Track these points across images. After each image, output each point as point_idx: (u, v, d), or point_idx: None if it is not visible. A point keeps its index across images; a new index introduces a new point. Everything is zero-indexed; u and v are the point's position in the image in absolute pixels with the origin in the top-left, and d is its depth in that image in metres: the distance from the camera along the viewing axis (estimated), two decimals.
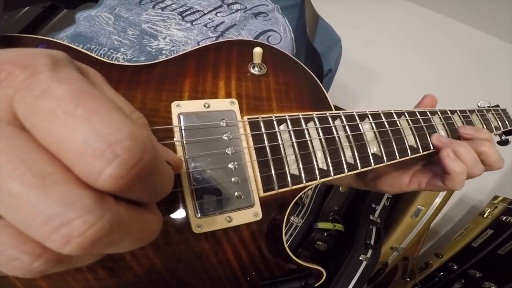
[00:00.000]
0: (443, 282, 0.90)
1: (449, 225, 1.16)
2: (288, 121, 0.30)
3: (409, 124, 0.35)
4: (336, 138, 0.31)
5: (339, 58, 0.60)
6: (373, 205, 0.89)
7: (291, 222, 0.94)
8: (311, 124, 0.30)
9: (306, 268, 0.30)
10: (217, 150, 0.26)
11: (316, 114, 0.31)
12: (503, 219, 0.84)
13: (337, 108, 0.34)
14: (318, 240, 0.90)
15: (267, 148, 0.28)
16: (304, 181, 0.28)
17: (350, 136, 0.31)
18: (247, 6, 0.46)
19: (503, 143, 0.46)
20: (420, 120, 0.36)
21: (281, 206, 0.29)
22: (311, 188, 0.35)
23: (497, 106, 0.48)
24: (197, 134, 0.26)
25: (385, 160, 0.32)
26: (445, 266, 0.91)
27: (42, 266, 0.12)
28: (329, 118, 0.31)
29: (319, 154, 0.30)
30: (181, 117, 0.26)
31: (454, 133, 0.38)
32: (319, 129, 0.30)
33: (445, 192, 0.87)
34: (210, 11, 0.43)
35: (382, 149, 0.32)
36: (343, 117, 0.32)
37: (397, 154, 0.33)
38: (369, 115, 0.33)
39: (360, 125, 0.32)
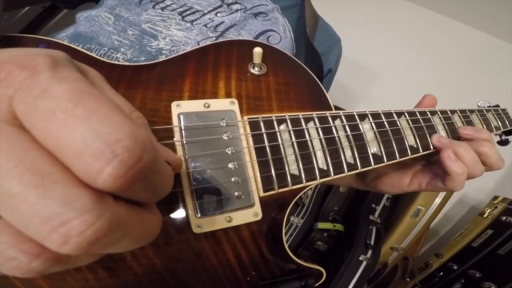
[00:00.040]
0: (443, 282, 0.90)
1: (449, 225, 1.16)
2: (288, 121, 0.30)
3: (409, 124, 0.35)
4: (336, 138, 0.31)
5: (339, 58, 0.60)
6: (373, 205, 0.89)
7: (291, 222, 0.94)
8: (311, 124, 0.30)
9: (306, 268, 0.30)
10: (217, 150, 0.26)
11: (316, 114, 0.31)
12: (503, 219, 0.84)
13: (337, 108, 0.34)
14: (318, 240, 0.90)
15: (267, 148, 0.28)
16: (304, 181, 0.28)
17: (350, 136, 0.31)
18: (247, 6, 0.46)
19: (503, 143, 0.46)
20: (420, 120, 0.36)
21: (281, 206, 0.29)
22: (311, 188, 0.35)
23: (497, 106, 0.48)
24: (197, 134, 0.26)
25: (385, 160, 0.32)
26: (445, 266, 0.91)
27: (40, 266, 0.12)
28: (329, 118, 0.31)
29: (319, 154, 0.30)
30: (181, 117, 0.26)
31: (454, 133, 0.38)
32: (319, 129, 0.30)
33: (445, 192, 0.87)
34: (210, 11, 0.43)
35: (382, 149, 0.32)
36: (343, 117, 0.32)
37: (397, 154, 0.33)
38: (369, 115, 0.33)
39: (360, 125, 0.32)
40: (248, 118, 0.28)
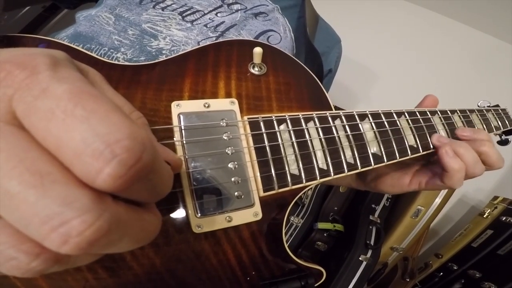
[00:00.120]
0: (443, 282, 0.90)
1: (449, 225, 1.16)
2: (288, 121, 0.30)
3: (409, 124, 0.35)
4: (336, 138, 0.31)
5: (339, 58, 0.60)
6: (373, 205, 0.89)
7: (291, 222, 0.94)
8: (311, 124, 0.30)
9: (306, 268, 0.30)
10: (217, 150, 0.26)
11: (316, 114, 0.31)
12: (503, 219, 0.84)
13: (337, 108, 0.34)
14: (318, 240, 0.90)
15: (267, 148, 0.28)
16: (304, 181, 0.28)
17: (350, 136, 0.31)
18: (247, 6, 0.46)
19: (503, 143, 0.46)
20: (420, 120, 0.36)
21: (281, 206, 0.29)
22: (311, 188, 0.35)
23: (497, 106, 0.48)
24: (197, 134, 0.26)
25: (385, 160, 0.32)
26: (445, 266, 0.91)
27: (40, 266, 0.12)
28: (329, 118, 0.31)
29: (319, 154, 0.30)
30: (181, 117, 0.26)
31: (454, 133, 0.38)
32: (319, 129, 0.30)
33: (445, 192, 0.87)
34: (210, 11, 0.43)
35: (382, 149, 0.32)
36: (343, 117, 0.32)
37: (397, 154, 0.33)
38: (369, 115, 0.33)
39: (360, 125, 0.32)
40: (248, 118, 0.28)
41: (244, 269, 0.27)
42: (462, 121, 0.40)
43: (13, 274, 0.12)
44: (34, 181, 0.11)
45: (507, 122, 0.45)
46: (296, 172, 0.28)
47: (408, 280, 0.84)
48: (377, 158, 0.32)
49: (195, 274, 0.25)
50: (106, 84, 0.19)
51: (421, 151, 0.35)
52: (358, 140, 0.32)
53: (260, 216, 0.27)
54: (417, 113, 0.37)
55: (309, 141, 0.30)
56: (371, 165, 0.31)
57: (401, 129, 0.34)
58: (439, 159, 0.33)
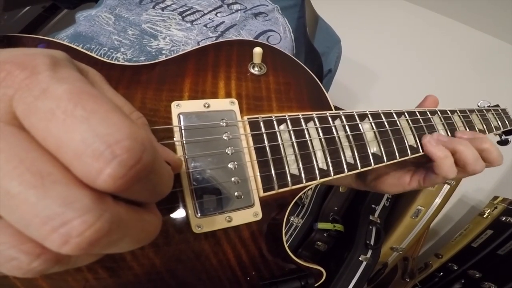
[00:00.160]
0: (443, 282, 0.90)
1: (449, 225, 1.16)
2: (288, 121, 0.30)
3: (409, 124, 0.35)
4: (336, 138, 0.31)
5: (339, 58, 0.60)
6: (373, 206, 0.89)
7: (291, 222, 0.94)
8: (311, 124, 0.30)
9: (306, 268, 0.30)
10: (217, 150, 0.26)
11: (316, 114, 0.31)
12: (503, 219, 0.84)
13: (337, 108, 0.34)
14: (318, 240, 0.90)
15: (267, 148, 0.28)
16: (304, 181, 0.28)
17: (350, 136, 0.31)
18: (247, 6, 0.46)
19: (503, 143, 0.46)
20: (420, 120, 0.36)
21: (281, 206, 0.29)
22: (311, 188, 0.35)
23: (497, 106, 0.48)
24: (197, 134, 0.26)
25: (385, 160, 0.32)
26: (445, 267, 0.91)
27: (40, 266, 0.12)
28: (329, 118, 0.31)
29: (319, 154, 0.30)
30: (181, 117, 0.26)
31: (454, 135, 0.38)
32: (319, 129, 0.30)
33: (445, 192, 0.87)
34: (210, 11, 0.43)
35: (382, 149, 0.32)
36: (343, 117, 0.32)
37: (397, 154, 0.33)
38: (369, 115, 0.33)
39: (360, 125, 0.32)
40: (248, 118, 0.28)
41: (244, 269, 0.27)
42: (462, 121, 0.40)
43: (14, 275, 0.12)
44: (34, 182, 0.11)
45: (507, 122, 0.45)
46: (296, 172, 0.28)
47: (408, 280, 0.84)
48: (377, 158, 0.32)
49: (195, 274, 0.25)
50: (106, 84, 0.19)
51: (421, 151, 0.35)
52: (358, 140, 0.32)
53: (260, 216, 0.27)
54: (417, 113, 0.37)
55: (309, 141, 0.30)
56: (371, 165, 0.31)
57: (401, 129, 0.34)
58: (424, 150, 0.33)
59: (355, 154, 0.31)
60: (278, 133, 0.29)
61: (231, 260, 0.26)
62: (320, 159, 0.29)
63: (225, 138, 0.27)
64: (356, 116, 0.33)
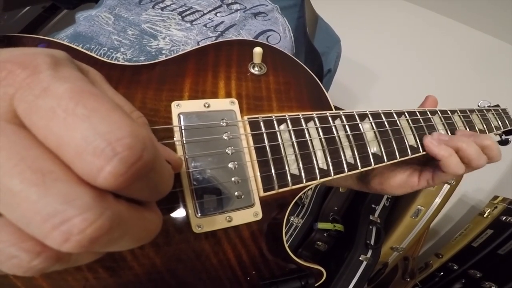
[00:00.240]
0: (443, 282, 0.90)
1: (449, 225, 1.16)
2: (288, 121, 0.30)
3: (409, 124, 0.35)
4: (336, 137, 0.31)
5: (339, 58, 0.60)
6: (373, 205, 0.89)
7: (291, 222, 0.94)
8: (311, 124, 0.30)
9: (306, 268, 0.30)
10: (217, 149, 0.26)
11: (316, 114, 0.31)
12: (503, 219, 0.84)
13: (337, 108, 0.34)
14: (318, 240, 0.90)
15: (267, 148, 0.28)
16: (304, 181, 0.28)
17: (350, 135, 0.31)
18: (246, 6, 0.46)
19: (503, 142, 0.46)
20: (420, 120, 0.36)
21: (281, 206, 0.29)
22: (310, 188, 0.35)
23: (497, 106, 0.48)
24: (197, 133, 0.26)
25: (385, 160, 0.32)
26: (445, 266, 0.91)
27: (41, 264, 0.12)
28: (329, 118, 0.31)
29: (319, 153, 0.30)
30: (181, 116, 0.26)
31: (454, 133, 0.38)
32: (319, 128, 0.30)
33: (445, 192, 0.87)
34: (210, 11, 0.43)
35: (382, 149, 0.32)
36: (343, 117, 0.32)
37: (397, 154, 0.33)
38: (369, 115, 0.33)
39: (360, 124, 0.32)
40: (248, 118, 0.28)
41: (244, 269, 0.27)
42: (462, 121, 0.40)
43: (14, 273, 0.12)
44: (35, 179, 0.11)
45: (507, 122, 0.45)
46: (296, 172, 0.28)
47: (408, 280, 0.84)
48: (377, 158, 0.32)
49: (196, 274, 0.25)
50: (106, 84, 0.19)
51: (421, 151, 0.35)
52: (358, 140, 0.32)
53: (260, 216, 0.27)
54: (417, 113, 0.37)
55: (309, 141, 0.30)
56: (371, 165, 0.31)
57: (401, 129, 0.34)
58: (428, 151, 0.34)
59: (355, 154, 0.31)
60: (278, 133, 0.29)
61: (232, 260, 0.26)
62: (320, 159, 0.29)
63: (225, 138, 0.27)
64: (356, 116, 0.33)
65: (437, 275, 0.91)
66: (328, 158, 0.30)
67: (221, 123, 0.27)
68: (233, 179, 0.26)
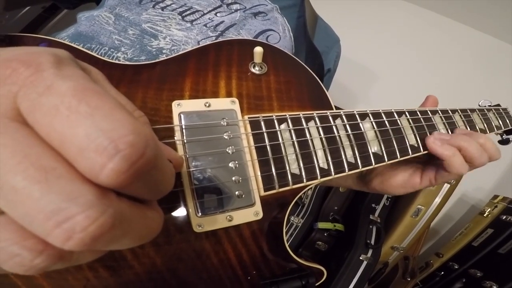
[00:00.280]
0: (444, 281, 0.90)
1: (449, 224, 1.16)
2: (289, 120, 0.30)
3: (410, 123, 0.35)
4: (337, 137, 0.31)
5: (338, 57, 0.60)
6: (373, 205, 0.89)
7: (291, 222, 0.94)
8: (311, 123, 0.30)
9: (307, 267, 0.30)
10: (217, 149, 0.26)
11: (317, 113, 0.31)
12: (503, 218, 0.84)
13: (336, 108, 0.34)
14: (318, 240, 0.90)
15: (268, 147, 0.28)
16: (304, 180, 0.28)
17: (351, 135, 0.31)
18: (246, 6, 0.46)
19: (504, 142, 0.46)
20: (421, 119, 0.36)
21: (282, 205, 0.29)
22: (310, 188, 0.35)
23: (498, 105, 0.48)
24: (197, 133, 0.26)
25: (386, 159, 0.32)
26: (446, 266, 0.91)
27: (43, 263, 0.12)
28: (330, 117, 0.31)
29: (320, 153, 0.30)
30: (182, 116, 0.26)
31: (454, 132, 0.38)
32: (320, 128, 0.30)
33: (445, 192, 0.87)
34: (210, 11, 0.43)
35: (383, 148, 0.32)
36: (343, 116, 0.32)
37: (398, 153, 0.33)
38: (369, 114, 0.33)
39: (361, 124, 0.32)
40: (248, 117, 0.28)
41: (245, 268, 0.27)
42: (463, 121, 0.40)
43: (16, 271, 0.12)
44: (39, 177, 0.11)
45: (508, 122, 0.45)
46: (296, 171, 0.28)
47: (409, 279, 0.84)
48: (378, 157, 0.32)
49: (196, 273, 0.25)
50: (108, 83, 0.19)
51: (421, 150, 0.35)
52: (359, 140, 0.32)
53: (260, 215, 0.27)
54: (418, 112, 0.37)
55: (309, 141, 0.30)
56: (371, 164, 0.31)
57: (401, 129, 0.34)
58: (431, 151, 0.34)
59: (356, 153, 0.31)
60: (279, 132, 0.29)
61: (232, 259, 0.26)
62: (321, 159, 0.29)
63: (226, 137, 0.27)
64: (357, 115, 0.33)
65: (437, 275, 0.91)
66: (329, 158, 0.30)
67: (222, 123, 0.27)
68: (233, 178, 0.26)
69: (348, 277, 0.75)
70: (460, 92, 1.23)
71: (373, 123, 0.33)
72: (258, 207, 0.27)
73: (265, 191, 0.27)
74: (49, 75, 0.12)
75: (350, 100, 1.32)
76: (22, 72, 0.12)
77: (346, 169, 0.30)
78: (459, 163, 0.32)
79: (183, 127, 0.26)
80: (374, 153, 0.32)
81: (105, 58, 0.29)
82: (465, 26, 1.38)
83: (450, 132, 0.38)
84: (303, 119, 0.30)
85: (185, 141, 0.25)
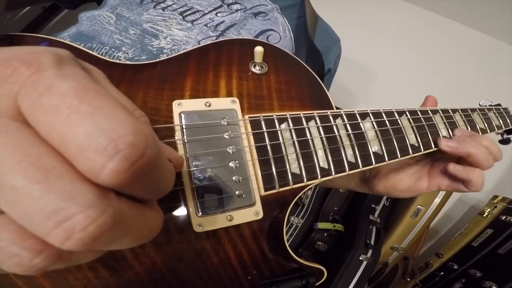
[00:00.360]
0: (443, 281, 0.90)
1: (449, 224, 1.16)
2: (289, 120, 0.30)
3: (410, 123, 0.35)
4: (337, 136, 0.31)
5: (339, 58, 0.60)
6: (373, 205, 0.89)
7: (291, 222, 0.94)
8: (312, 123, 0.30)
9: (307, 267, 0.30)
10: (218, 148, 0.26)
11: (317, 113, 0.31)
12: (503, 218, 0.84)
13: (337, 108, 0.34)
14: (318, 240, 0.90)
15: (268, 147, 0.28)
16: (305, 180, 0.28)
17: (351, 134, 0.31)
18: (246, 6, 0.46)
19: (505, 142, 0.46)
20: (422, 119, 0.36)
21: (282, 205, 0.29)
22: (310, 188, 0.36)
23: (499, 105, 0.48)
24: (198, 132, 0.26)
25: (386, 159, 0.32)
26: (446, 266, 0.91)
27: (42, 263, 0.12)
28: (330, 117, 0.31)
29: (320, 153, 0.30)
30: (182, 115, 0.26)
31: (454, 134, 0.38)
32: (320, 127, 0.30)
33: (444, 192, 0.87)
34: (211, 11, 0.43)
35: (383, 148, 0.32)
36: (344, 116, 0.32)
37: (398, 153, 0.33)
38: (370, 114, 0.33)
39: (361, 123, 0.32)
40: (249, 117, 0.28)
41: (245, 268, 0.27)
42: (463, 120, 0.40)
43: (15, 271, 0.12)
44: (39, 176, 0.11)
45: (508, 121, 0.45)
46: (297, 171, 0.28)
47: (408, 279, 0.84)
48: (378, 157, 0.32)
49: (196, 273, 0.25)
50: (108, 83, 0.19)
51: (422, 150, 0.35)
52: (359, 139, 0.32)
53: (261, 215, 0.27)
54: (418, 112, 0.37)
55: (310, 140, 0.30)
56: (372, 164, 0.31)
57: (402, 128, 0.34)
58: (456, 176, 0.34)
59: (356, 153, 0.31)
60: (279, 132, 0.29)
61: (232, 259, 0.26)
62: (321, 158, 0.29)
63: (226, 137, 0.27)
64: (358, 115, 0.33)
65: (437, 275, 0.91)
66: (329, 157, 0.30)
67: (222, 122, 0.27)
68: (234, 178, 0.26)
69: (348, 277, 0.75)
70: (460, 93, 1.24)
71: (374, 122, 0.33)
72: (258, 206, 0.27)
73: (265, 190, 0.27)
74: (50, 75, 0.12)
75: (350, 100, 1.32)
76: (23, 71, 0.12)
77: (347, 169, 0.30)
78: (482, 181, 0.33)
79: (184, 126, 0.26)
80: (374, 153, 0.32)
81: (106, 58, 0.29)
82: (464, 26, 1.38)
83: (450, 132, 0.37)
84: (303, 119, 0.30)
85: (185, 140, 0.25)
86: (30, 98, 0.12)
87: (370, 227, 0.83)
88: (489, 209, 0.90)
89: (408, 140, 0.34)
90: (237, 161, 0.26)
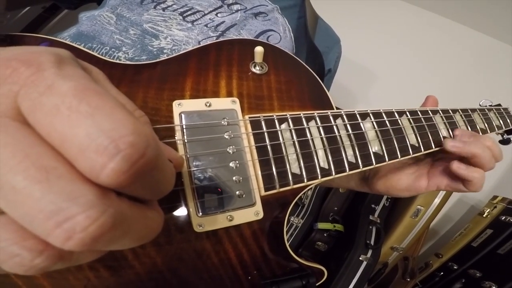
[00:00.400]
0: (443, 282, 0.90)
1: (448, 225, 1.16)
2: (290, 120, 0.30)
3: (410, 123, 0.35)
4: (338, 137, 0.31)
5: (339, 58, 0.60)
6: (373, 205, 0.90)
7: (291, 223, 0.94)
8: (312, 123, 0.30)
9: (307, 267, 0.30)
10: (218, 149, 0.26)
11: (318, 113, 0.31)
12: (503, 218, 0.84)
13: (337, 109, 0.34)
14: (318, 240, 0.90)
15: (268, 147, 0.28)
16: (305, 180, 0.28)
17: (352, 135, 0.31)
18: (247, 6, 0.46)
19: (505, 142, 0.46)
20: (422, 119, 0.36)
21: (282, 205, 0.29)
22: (310, 189, 0.35)
23: (499, 105, 0.48)
24: (198, 133, 0.26)
25: (387, 159, 0.32)
26: (445, 266, 0.91)
27: (43, 263, 0.12)
28: (331, 117, 0.31)
29: (321, 153, 0.30)
30: (183, 116, 0.26)
31: (454, 134, 0.38)
32: (321, 128, 0.30)
33: (444, 192, 0.87)
34: (211, 12, 0.43)
35: (384, 148, 0.32)
36: (344, 116, 0.32)
37: (398, 153, 0.33)
38: (370, 114, 0.33)
39: (361, 124, 0.33)
40: (249, 117, 0.28)
41: (245, 268, 0.27)
42: (464, 120, 0.40)
43: (16, 272, 0.12)
44: (39, 176, 0.11)
45: (509, 121, 0.45)
46: (297, 171, 0.28)
47: (408, 279, 0.84)
48: (379, 157, 0.32)
49: (197, 273, 0.25)
50: (109, 83, 0.19)
51: (422, 150, 0.35)
52: (360, 139, 0.32)
53: (261, 215, 0.27)
54: (418, 112, 0.37)
55: (310, 140, 0.30)
56: (372, 164, 0.31)
57: (402, 128, 0.34)
58: (457, 174, 0.34)
59: (357, 153, 0.31)
60: (279, 132, 0.29)
61: (233, 259, 0.26)
62: (321, 158, 0.29)
63: (227, 137, 0.27)
64: (358, 115, 0.33)
65: (437, 275, 0.91)
66: (329, 157, 0.30)
67: (222, 122, 0.27)
68: (234, 178, 0.26)
69: (348, 278, 0.75)
70: (460, 93, 1.24)
71: (374, 123, 0.33)
72: (258, 207, 0.27)
73: (265, 191, 0.27)
74: (50, 75, 0.12)
75: (350, 100, 1.32)
76: (23, 71, 0.12)
77: (347, 169, 0.30)
78: (482, 182, 0.33)
79: (184, 126, 0.26)
80: (374, 153, 0.32)
81: (106, 58, 0.29)
82: (464, 26, 1.38)
83: (451, 132, 0.37)
84: (303, 119, 0.30)
85: (185, 140, 0.25)
86: (30, 98, 0.12)
87: (370, 227, 0.83)
88: (489, 210, 0.90)
89: (409, 140, 0.34)
90: (237, 161, 0.26)
